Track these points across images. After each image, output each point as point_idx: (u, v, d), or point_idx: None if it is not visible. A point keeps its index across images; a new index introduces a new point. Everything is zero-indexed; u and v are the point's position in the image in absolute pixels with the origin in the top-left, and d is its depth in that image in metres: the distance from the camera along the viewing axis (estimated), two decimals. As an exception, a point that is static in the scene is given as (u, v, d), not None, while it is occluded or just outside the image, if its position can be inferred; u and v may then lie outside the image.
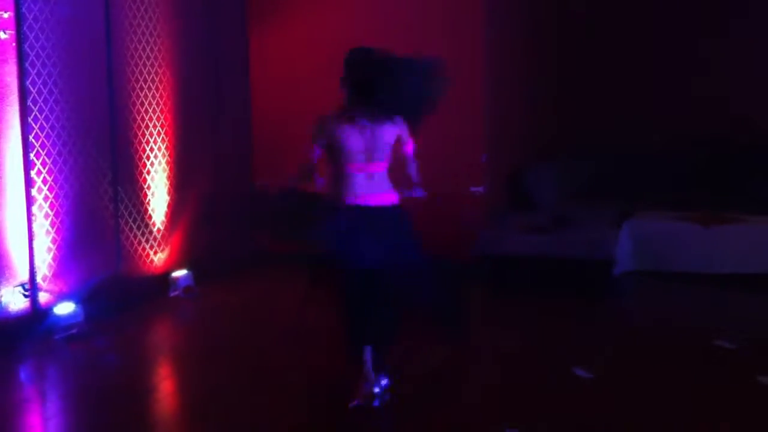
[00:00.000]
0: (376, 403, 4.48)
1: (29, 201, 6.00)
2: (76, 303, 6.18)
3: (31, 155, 6.00)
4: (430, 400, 4.70)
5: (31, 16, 5.95)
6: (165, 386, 5.31)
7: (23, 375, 5.50)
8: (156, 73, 7.24)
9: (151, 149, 7.19)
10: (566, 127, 9.34)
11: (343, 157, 4.57)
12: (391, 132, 4.64)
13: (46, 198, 6.13)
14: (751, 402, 4.67)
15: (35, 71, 6.01)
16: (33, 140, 6.00)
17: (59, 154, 6.24)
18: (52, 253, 6.20)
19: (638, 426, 4.35)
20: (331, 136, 4.59)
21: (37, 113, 6.03)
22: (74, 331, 6.05)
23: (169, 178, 7.42)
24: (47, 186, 6.14)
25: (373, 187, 4.56)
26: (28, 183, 5.99)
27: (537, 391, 4.84)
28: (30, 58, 5.96)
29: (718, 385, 4.94)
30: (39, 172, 6.07)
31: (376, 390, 4.49)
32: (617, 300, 7.26)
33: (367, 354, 4.53)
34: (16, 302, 5.94)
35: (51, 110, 6.15)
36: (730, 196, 8.35)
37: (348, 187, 4.56)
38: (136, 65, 7.00)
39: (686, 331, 6.13)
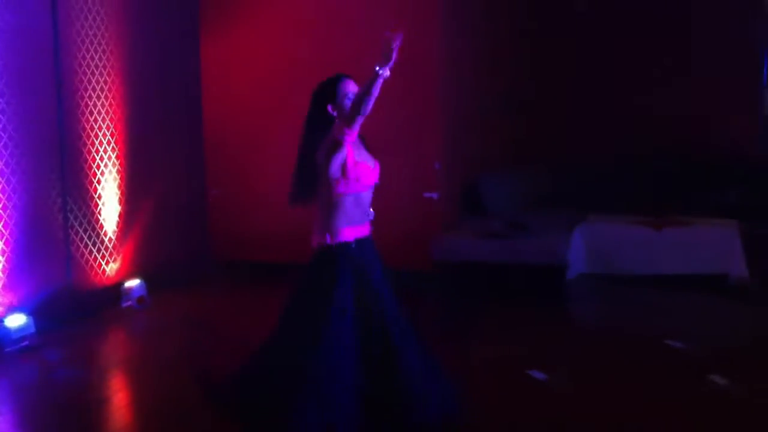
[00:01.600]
0: None
1: (-23, 212, 5.91)
2: (28, 315, 6.08)
3: (-21, 166, 5.90)
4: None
5: (-23, 25, 5.86)
6: (118, 398, 5.24)
7: (-27, 389, 5.40)
8: (106, 81, 7.17)
9: (102, 158, 7.11)
10: (521, 137, 9.45)
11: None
12: None
13: (-6, 209, 6.04)
14: (702, 400, 4.74)
15: (-18, 80, 5.92)
16: (-20, 150, 5.91)
17: (6, 164, 6.14)
18: (1, 265, 6.09)
19: (593, 424, 4.40)
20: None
21: (-16, 123, 5.93)
22: (26, 343, 5.96)
23: (120, 187, 7.35)
24: (-5, 197, 6.05)
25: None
26: (-24, 194, 5.90)
27: (493, 392, 4.87)
28: (-24, 67, 5.87)
29: (669, 384, 5.02)
30: (-13, 183, 5.98)
31: None
32: (570, 303, 7.35)
33: None
34: (-35, 315, 5.84)
35: (-2, 120, 6.06)
36: (681, 205, 8.51)
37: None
38: (85, 74, 6.92)
39: (637, 331, 6.22)
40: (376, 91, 3.69)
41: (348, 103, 3.93)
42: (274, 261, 8.20)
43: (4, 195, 6.11)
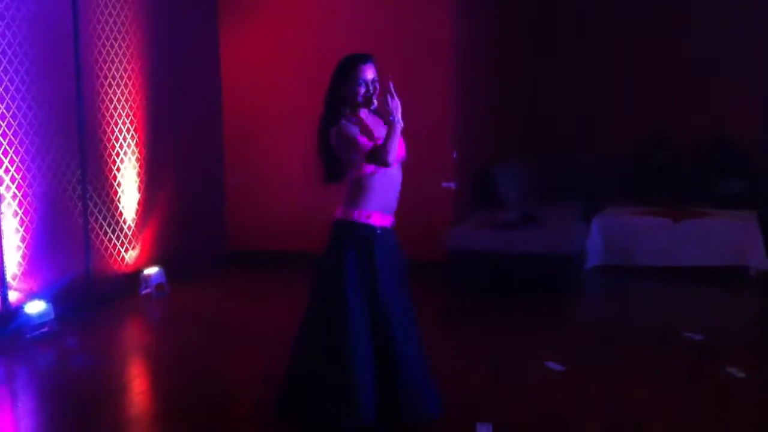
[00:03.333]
0: None
1: (-3, 199, 5.95)
2: (47, 301, 6.13)
3: (-1, 153, 5.95)
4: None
5: (-2, 13, 5.90)
6: (136, 384, 5.28)
7: (-7, 375, 5.45)
8: (125, 69, 7.19)
9: (121, 146, 7.14)
10: (535, 127, 9.43)
11: None
12: None
13: (14, 196, 6.08)
14: (719, 392, 4.73)
15: (1, 68, 5.94)
16: (0, 138, 5.94)
17: (27, 152, 6.18)
18: (21, 252, 6.14)
19: (610, 416, 4.39)
20: None
21: (4, 110, 5.97)
22: (45, 329, 6.00)
23: (139, 175, 7.38)
24: (15, 184, 6.08)
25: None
26: (-4, 181, 5.95)
27: (509, 384, 4.87)
28: (-3, 55, 5.91)
29: (687, 376, 5.00)
30: (7, 170, 6.01)
31: None
32: (586, 294, 7.34)
33: None
34: (-15, 302, 5.90)
35: (18, 108, 6.09)
36: (695, 194, 8.49)
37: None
38: (105, 62, 6.95)
39: (655, 323, 6.21)
40: (395, 140, 3.80)
41: (358, 89, 3.93)
42: (293, 250, 8.22)
43: (24, 182, 6.16)
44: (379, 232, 3.94)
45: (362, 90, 3.94)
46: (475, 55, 8.57)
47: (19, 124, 6.10)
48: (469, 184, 8.41)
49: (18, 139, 6.10)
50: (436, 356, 4.34)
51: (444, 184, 7.92)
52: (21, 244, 6.14)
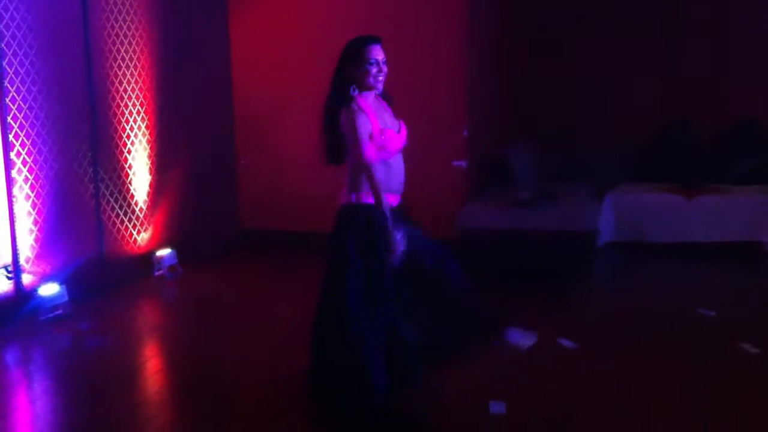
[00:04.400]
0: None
1: (9, 182, 5.96)
2: (60, 284, 6.16)
3: (10, 136, 5.95)
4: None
5: (7, -4, 5.89)
6: (151, 365, 5.30)
7: (8, 357, 5.48)
8: (135, 51, 7.18)
9: (131, 128, 7.14)
10: (548, 106, 9.35)
11: None
12: None
13: (26, 179, 6.09)
14: (734, 368, 4.72)
15: (11, 51, 5.94)
16: (11, 121, 5.95)
17: (38, 134, 6.19)
18: (34, 235, 6.16)
19: (624, 393, 4.39)
20: None
21: (14, 94, 5.97)
22: (59, 312, 6.03)
23: (150, 157, 7.38)
24: (27, 167, 6.09)
25: None
26: (8, 164, 5.95)
27: (522, 362, 4.87)
28: (6, 39, 5.90)
29: (701, 352, 4.99)
30: (18, 154, 6.02)
31: None
32: (600, 271, 7.32)
33: None
34: (0, 284, 5.92)
35: (29, 91, 6.09)
36: (713, 172, 8.42)
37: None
38: (114, 43, 6.94)
39: (668, 299, 6.19)
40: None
41: (370, 68, 3.92)
42: (305, 230, 8.22)
43: (35, 165, 6.17)
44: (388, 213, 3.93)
45: (373, 70, 3.92)
46: (490, 30, 8.50)
47: (30, 108, 6.10)
48: (482, 163, 8.37)
49: (29, 122, 6.10)
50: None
51: (455, 163, 7.90)
52: (33, 228, 6.16)
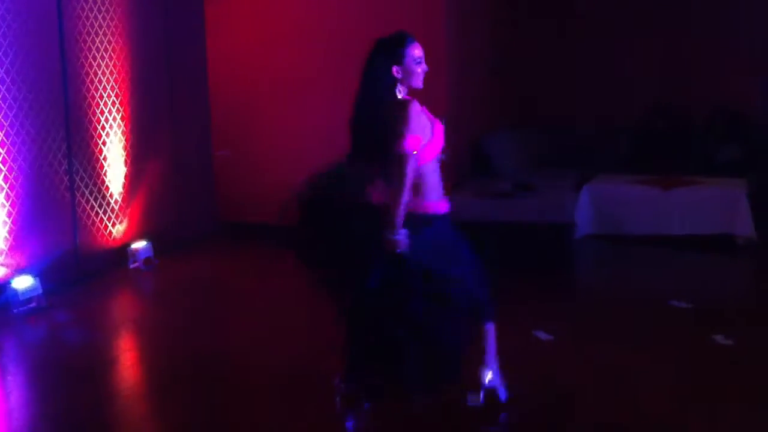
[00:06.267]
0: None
1: (-18, 174, 5.92)
2: (34, 276, 6.11)
3: (-17, 128, 5.90)
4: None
5: (-21, -15, 5.82)
6: (126, 358, 5.28)
7: (-19, 350, 5.44)
8: (110, 43, 7.12)
9: (107, 120, 7.08)
10: (528, 96, 9.38)
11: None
12: None
13: (-1, 171, 6.05)
14: (706, 360, 4.76)
15: (-16, 42, 5.89)
16: (-16, 112, 5.90)
17: (11, 126, 6.13)
18: (8, 227, 6.11)
19: (597, 384, 4.42)
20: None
21: (-13, 85, 5.92)
22: (33, 304, 5.99)
23: (125, 148, 7.33)
24: (0, 159, 6.04)
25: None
26: (-19, 156, 5.90)
27: (498, 354, 4.88)
28: (-21, 29, 5.84)
29: (675, 343, 5.03)
30: (-8, 145, 5.98)
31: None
32: (576, 262, 7.35)
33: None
34: (-27, 277, 5.88)
35: (2, 81, 6.03)
36: (690, 161, 8.49)
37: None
38: (89, 34, 6.87)
39: (643, 292, 6.23)
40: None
41: (415, 68, 3.83)
42: (285, 222, 8.20)
43: (9, 157, 6.11)
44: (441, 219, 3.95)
45: (419, 69, 3.85)
46: (469, 21, 8.48)
47: (3, 98, 6.04)
48: (462, 154, 8.37)
49: (2, 113, 6.04)
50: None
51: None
52: (7, 219, 6.11)
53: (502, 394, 4.14)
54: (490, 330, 4.17)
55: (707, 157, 8.60)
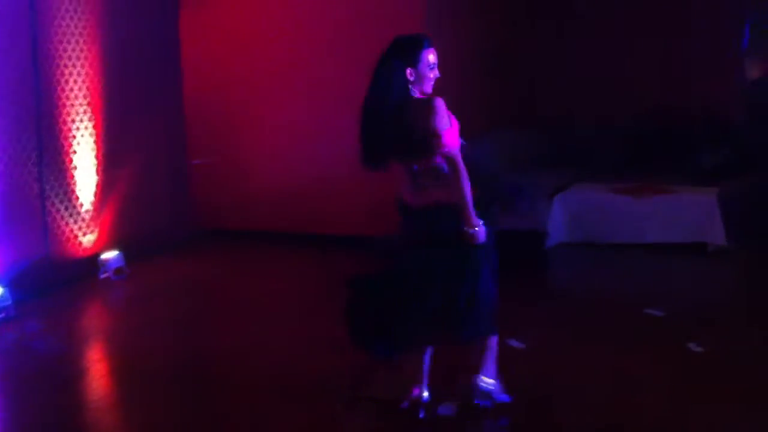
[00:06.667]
0: (422, 414, 4.15)
1: (-49, 183, 5.84)
2: (4, 286, 6.03)
3: (-48, 136, 5.83)
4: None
5: (-52, -8, 5.76)
6: (96, 369, 5.23)
7: (-50, 360, 5.36)
8: (82, 50, 7.06)
9: (78, 128, 7.02)
10: (507, 100, 9.38)
11: None
12: None
13: (-32, 180, 5.97)
14: (681, 368, 4.78)
15: (-47, 49, 5.82)
16: (-47, 120, 5.83)
17: (-19, 134, 6.07)
18: (-24, 236, 6.04)
19: (571, 393, 4.42)
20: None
21: (-44, 92, 5.85)
22: (2, 315, 5.91)
23: (97, 157, 7.26)
24: (-31, 167, 5.97)
25: None
26: (-51, 164, 5.83)
27: (470, 362, 4.87)
28: (-53, 35, 5.78)
29: (648, 351, 5.04)
30: (-40, 153, 5.90)
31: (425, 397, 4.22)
32: (550, 270, 7.37)
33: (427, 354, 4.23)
34: (-59, 287, 5.79)
35: (-29, 89, 5.97)
36: (670, 166, 8.51)
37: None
38: (61, 42, 6.81)
39: (617, 300, 6.24)
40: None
41: (428, 73, 3.87)
42: (257, 229, 8.20)
43: (-22, 165, 6.05)
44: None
45: (431, 75, 3.90)
46: (445, 25, 8.45)
47: (-28, 106, 5.98)
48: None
49: (-29, 121, 5.98)
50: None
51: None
52: (-24, 229, 6.03)
53: (504, 397, 4.20)
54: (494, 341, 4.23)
55: (685, 164, 8.62)
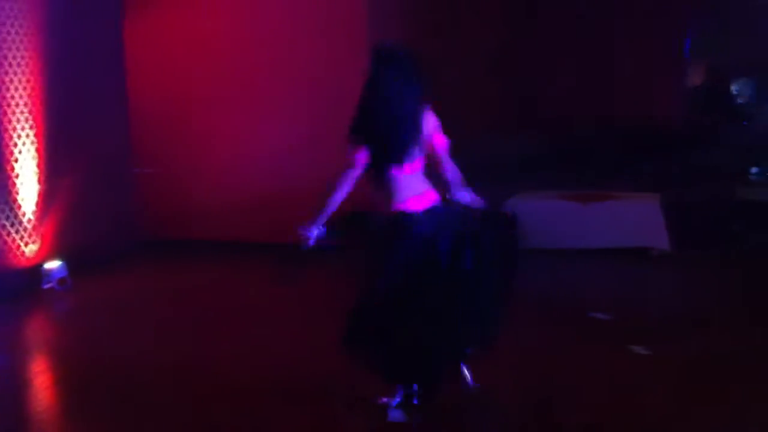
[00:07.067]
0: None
1: None
2: (-58, 298, 5.90)
3: None
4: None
5: None
6: (40, 380, 5.12)
7: None
8: (23, 56, 6.94)
9: (19, 137, 6.89)
10: (443, 110, 9.42)
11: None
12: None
13: None
14: (624, 369, 4.83)
15: None
16: None
17: None
18: None
19: (519, 394, 4.47)
20: None
21: None
22: (-59, 327, 5.78)
23: (39, 165, 7.13)
24: None
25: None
26: None
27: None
28: None
29: (595, 354, 5.09)
30: None
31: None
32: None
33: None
34: None
35: None
36: (606, 175, 8.65)
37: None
38: (1, 48, 6.69)
39: (562, 304, 6.30)
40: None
41: None
42: (203, 238, 8.13)
43: None
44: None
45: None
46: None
47: None
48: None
49: None
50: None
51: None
52: None
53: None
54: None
55: (629, 169, 8.75)
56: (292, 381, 4.69)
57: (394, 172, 4.03)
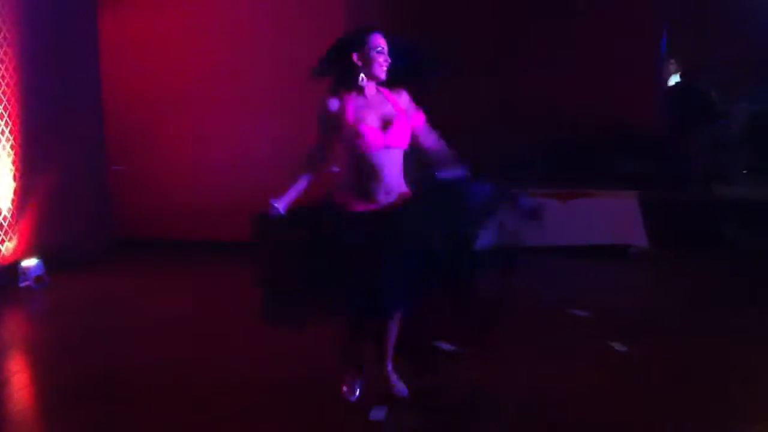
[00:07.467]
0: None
1: None
2: None
3: None
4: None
5: None
6: (16, 380, 5.06)
7: None
8: (-3, 52, 6.88)
9: (-6, 133, 6.83)
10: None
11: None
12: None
13: None
14: (603, 365, 4.86)
15: None
16: None
17: None
18: None
19: (501, 392, 4.50)
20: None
21: None
22: None
23: (14, 163, 7.06)
24: None
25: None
26: None
27: (402, 367, 4.87)
28: None
29: (572, 351, 5.11)
30: None
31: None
32: (478, 275, 7.39)
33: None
34: None
35: None
36: (584, 175, 8.66)
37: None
38: (-24, 44, 6.63)
39: (542, 301, 6.31)
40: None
41: (376, 56, 3.89)
42: (181, 238, 8.08)
43: None
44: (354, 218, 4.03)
45: (380, 58, 3.91)
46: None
47: None
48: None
49: None
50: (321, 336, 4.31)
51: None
52: None
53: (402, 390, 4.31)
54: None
55: (606, 169, 8.78)
56: (272, 383, 4.67)
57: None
